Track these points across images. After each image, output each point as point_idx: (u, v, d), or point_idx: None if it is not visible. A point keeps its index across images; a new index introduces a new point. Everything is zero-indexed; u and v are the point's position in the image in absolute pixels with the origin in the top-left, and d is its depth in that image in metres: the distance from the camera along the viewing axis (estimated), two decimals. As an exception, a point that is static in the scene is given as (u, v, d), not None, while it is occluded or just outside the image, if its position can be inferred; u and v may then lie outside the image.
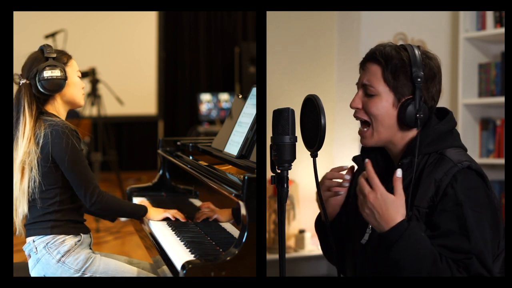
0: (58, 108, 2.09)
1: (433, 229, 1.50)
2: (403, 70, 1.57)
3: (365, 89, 1.61)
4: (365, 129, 1.63)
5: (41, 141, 1.96)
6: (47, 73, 2.02)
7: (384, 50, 1.59)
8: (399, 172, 1.50)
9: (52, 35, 6.29)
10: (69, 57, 2.14)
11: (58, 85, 2.04)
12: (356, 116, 1.65)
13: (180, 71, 8.04)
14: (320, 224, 1.78)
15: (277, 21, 3.77)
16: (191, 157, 2.46)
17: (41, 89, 2.02)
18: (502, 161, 3.53)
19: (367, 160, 1.53)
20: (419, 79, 1.55)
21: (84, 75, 6.13)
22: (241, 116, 2.34)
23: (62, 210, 2.01)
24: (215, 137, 2.56)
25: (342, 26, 3.89)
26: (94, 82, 5.75)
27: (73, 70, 2.12)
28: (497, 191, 3.50)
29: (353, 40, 3.80)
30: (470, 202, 1.48)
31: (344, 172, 1.71)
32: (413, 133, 1.61)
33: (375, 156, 1.69)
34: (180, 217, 2.22)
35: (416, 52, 1.58)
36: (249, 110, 2.31)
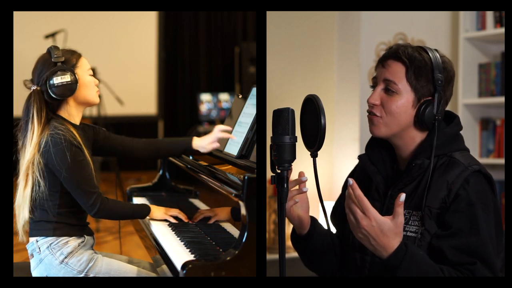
0: (70, 111, 2.04)
1: (445, 228, 1.54)
2: (425, 72, 1.60)
3: (387, 85, 1.62)
4: (377, 117, 1.64)
5: (41, 148, 1.92)
6: (57, 80, 1.96)
7: (406, 50, 1.62)
8: (402, 197, 1.46)
9: (52, 35, 6.28)
10: (78, 57, 2.07)
11: (69, 90, 1.98)
12: (370, 111, 1.65)
13: (180, 71, 8.04)
14: (295, 238, 1.78)
15: (277, 21, 3.77)
16: (191, 157, 2.46)
17: (53, 95, 1.97)
18: (502, 161, 3.53)
19: (351, 181, 1.48)
20: (440, 82, 1.59)
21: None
22: (241, 116, 2.34)
23: (65, 213, 1.99)
24: (215, 137, 2.56)
25: (342, 26, 3.89)
26: (94, 82, 5.74)
27: (83, 70, 2.06)
28: (497, 191, 3.49)
29: (353, 40, 3.80)
30: (481, 203, 1.53)
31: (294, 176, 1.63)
32: (423, 135, 1.64)
33: (381, 155, 1.71)
34: (183, 217, 2.22)
35: (437, 55, 1.62)
36: (249, 110, 2.31)
